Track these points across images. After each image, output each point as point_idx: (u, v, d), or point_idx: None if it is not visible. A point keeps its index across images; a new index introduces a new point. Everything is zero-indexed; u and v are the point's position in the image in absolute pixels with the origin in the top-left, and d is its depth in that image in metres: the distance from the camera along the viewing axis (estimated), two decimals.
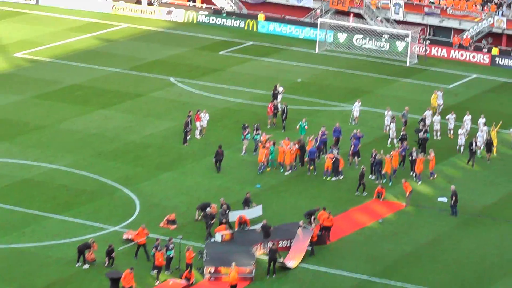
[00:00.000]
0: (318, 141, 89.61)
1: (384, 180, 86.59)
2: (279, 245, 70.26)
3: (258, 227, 72.66)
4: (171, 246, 65.31)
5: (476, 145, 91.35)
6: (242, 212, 75.08)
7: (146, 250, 67.74)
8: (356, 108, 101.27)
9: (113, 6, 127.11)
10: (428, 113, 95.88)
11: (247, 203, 75.81)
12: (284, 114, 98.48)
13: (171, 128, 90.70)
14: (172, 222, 73.76)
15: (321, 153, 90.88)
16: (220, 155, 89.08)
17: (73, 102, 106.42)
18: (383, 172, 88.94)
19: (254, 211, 74.05)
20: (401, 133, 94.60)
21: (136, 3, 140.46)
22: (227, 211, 75.17)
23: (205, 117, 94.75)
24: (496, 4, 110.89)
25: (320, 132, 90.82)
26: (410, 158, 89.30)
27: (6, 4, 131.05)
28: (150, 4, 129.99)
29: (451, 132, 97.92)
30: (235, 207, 77.11)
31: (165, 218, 74.47)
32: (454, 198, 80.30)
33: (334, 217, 74.66)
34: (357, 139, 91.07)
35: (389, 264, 72.35)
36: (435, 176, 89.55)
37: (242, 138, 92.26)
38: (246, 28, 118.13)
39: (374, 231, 75.47)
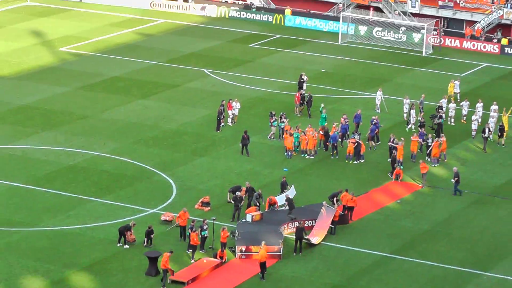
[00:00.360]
0: (340, 128, 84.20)
1: (401, 164, 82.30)
2: (305, 225, 68.76)
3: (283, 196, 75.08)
4: (205, 227, 66.40)
5: (489, 130, 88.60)
6: (284, 194, 75.37)
7: (184, 231, 66.61)
8: (378, 97, 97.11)
9: (151, 2, 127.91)
10: (444, 100, 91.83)
11: (284, 186, 76.79)
12: (309, 103, 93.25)
13: (206, 116, 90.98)
14: (206, 204, 74.06)
15: (344, 138, 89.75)
16: (246, 139, 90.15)
17: (115, 93, 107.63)
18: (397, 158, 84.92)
19: (290, 192, 72.04)
20: (419, 120, 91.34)
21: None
22: (260, 195, 75.79)
23: (236, 105, 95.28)
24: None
25: (342, 119, 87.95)
26: (427, 143, 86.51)
27: (52, 1, 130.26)
28: (185, 0, 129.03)
29: (465, 118, 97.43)
30: (264, 190, 77.41)
31: (200, 200, 74.78)
32: (456, 179, 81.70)
33: (355, 198, 73.65)
34: (373, 125, 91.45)
35: (407, 241, 73.09)
36: (446, 159, 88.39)
37: (270, 125, 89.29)
38: (274, 22, 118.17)
39: (392, 210, 76.39)
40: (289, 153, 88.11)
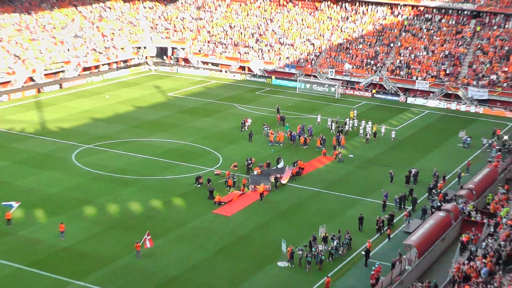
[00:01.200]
0: (299, 131, 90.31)
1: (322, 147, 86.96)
2: (279, 176, 74.61)
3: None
4: (234, 177, 73.60)
5: (367, 134, 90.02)
6: (280, 164, 78.11)
7: (227, 180, 72.82)
8: (318, 117, 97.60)
9: (209, 73, 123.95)
10: (347, 119, 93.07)
11: (279, 160, 77.83)
12: (283, 120, 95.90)
13: (235, 125, 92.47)
14: (235, 166, 78.84)
15: (301, 136, 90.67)
16: (251, 135, 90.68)
17: (193, 114, 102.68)
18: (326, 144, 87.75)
19: (281, 163, 75.90)
20: (338, 128, 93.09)
21: (217, 71, 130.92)
22: (261, 164, 79.20)
23: (249, 120, 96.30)
24: (374, 71, 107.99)
25: (297, 128, 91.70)
26: (339, 139, 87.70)
27: (163, 71, 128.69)
28: (225, 72, 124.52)
29: (356, 127, 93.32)
30: (262, 160, 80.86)
31: (232, 164, 79.48)
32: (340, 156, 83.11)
33: (305, 164, 79.60)
34: (310, 130, 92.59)
35: (329, 183, 75.72)
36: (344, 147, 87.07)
37: (263, 129, 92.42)
38: (267, 82, 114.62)
39: (321, 170, 79.68)
40: (272, 143, 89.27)
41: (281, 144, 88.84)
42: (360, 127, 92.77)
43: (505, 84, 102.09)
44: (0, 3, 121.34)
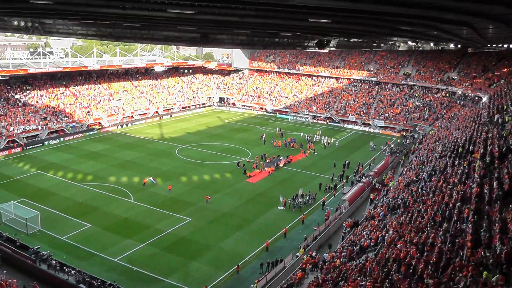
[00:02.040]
0: (290, 140, 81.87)
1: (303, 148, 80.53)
2: (279, 163, 69.95)
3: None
4: (257, 162, 68.76)
5: (325, 142, 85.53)
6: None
7: (253, 164, 68.74)
8: (301, 134, 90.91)
9: (245, 111, 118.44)
10: (315, 135, 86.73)
11: (279, 157, 71.71)
12: (282, 134, 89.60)
13: (257, 137, 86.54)
14: (257, 157, 71.18)
15: (291, 143, 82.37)
16: (265, 142, 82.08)
17: (241, 131, 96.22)
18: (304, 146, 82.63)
19: (281, 157, 71.49)
20: (310, 139, 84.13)
21: (249, 110, 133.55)
22: (271, 157, 73.84)
23: (264, 134, 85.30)
24: (328, 110, 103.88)
25: (289, 138, 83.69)
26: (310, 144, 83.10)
27: (220, 109, 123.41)
28: (253, 110, 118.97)
29: (319, 139, 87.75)
30: (271, 155, 74.75)
31: (256, 156, 72.10)
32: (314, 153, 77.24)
33: (292, 157, 73.96)
34: (294, 140, 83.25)
35: (305, 167, 71.60)
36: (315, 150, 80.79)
37: (271, 140, 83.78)
38: (274, 115, 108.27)
39: (300, 160, 73.83)
40: (275, 147, 79.42)
41: (279, 147, 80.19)
42: (321, 139, 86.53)
43: (392, 118, 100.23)
44: (140, 75, 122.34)
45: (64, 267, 38.36)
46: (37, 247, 41.29)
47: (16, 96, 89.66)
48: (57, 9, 25.64)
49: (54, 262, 38.93)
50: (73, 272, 37.45)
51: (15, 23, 34.58)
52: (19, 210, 48.13)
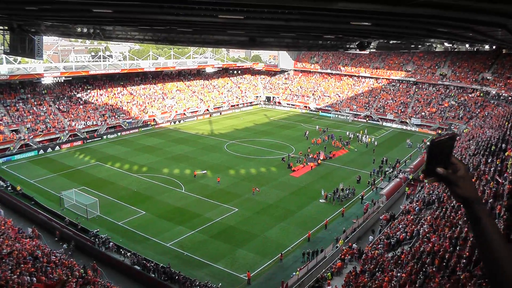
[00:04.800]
0: (328, 137, 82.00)
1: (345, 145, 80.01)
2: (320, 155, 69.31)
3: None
4: (300, 158, 68.24)
5: (366, 141, 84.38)
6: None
7: (297, 159, 68.39)
8: (347, 132, 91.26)
9: (290, 109, 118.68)
10: (358, 134, 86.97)
11: (320, 153, 71.58)
12: (324, 131, 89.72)
13: (301, 134, 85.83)
14: (300, 153, 70.78)
15: (333, 140, 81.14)
16: (308, 138, 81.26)
17: (281, 128, 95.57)
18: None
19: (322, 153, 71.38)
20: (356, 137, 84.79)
21: (293, 108, 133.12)
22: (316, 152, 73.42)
23: (307, 131, 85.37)
24: (367, 109, 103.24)
25: (327, 136, 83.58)
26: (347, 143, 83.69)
27: (267, 108, 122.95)
28: (298, 108, 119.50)
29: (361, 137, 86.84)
30: (314, 151, 74.08)
31: (299, 152, 71.84)
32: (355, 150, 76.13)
33: (335, 152, 73.62)
34: (333, 136, 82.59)
35: (345, 163, 71.07)
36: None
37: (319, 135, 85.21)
38: (317, 113, 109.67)
39: (341, 156, 72.79)
40: (314, 144, 78.59)
41: (318, 144, 77.98)
42: (362, 138, 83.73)
43: (428, 117, 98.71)
44: (192, 76, 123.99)
45: (121, 250, 39.95)
46: (96, 230, 43.49)
47: (78, 95, 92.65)
48: (117, 17, 26.42)
49: (111, 244, 40.62)
50: (128, 254, 38.96)
51: (79, 29, 35.58)
52: (79, 197, 50.20)
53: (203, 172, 63.38)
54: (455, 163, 2.84)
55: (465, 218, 29.55)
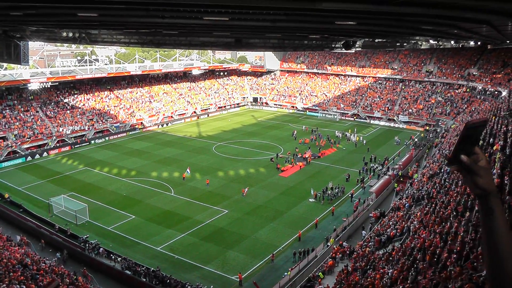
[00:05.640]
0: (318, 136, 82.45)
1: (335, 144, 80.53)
2: (305, 154, 69.62)
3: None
4: (289, 158, 67.59)
5: (354, 139, 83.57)
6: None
7: (286, 159, 68.47)
8: (336, 131, 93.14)
9: (277, 109, 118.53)
10: (347, 133, 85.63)
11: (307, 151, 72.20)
12: (313, 131, 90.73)
13: (289, 134, 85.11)
14: (289, 153, 70.51)
15: (321, 139, 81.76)
16: (296, 138, 79.46)
17: (274, 128, 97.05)
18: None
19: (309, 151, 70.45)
20: (345, 136, 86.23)
21: (280, 108, 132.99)
22: (303, 152, 72.92)
23: (295, 131, 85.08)
24: (355, 107, 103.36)
25: (314, 136, 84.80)
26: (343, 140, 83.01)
27: (254, 109, 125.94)
28: (284, 108, 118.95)
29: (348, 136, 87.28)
30: (302, 151, 73.93)
31: (287, 152, 72.00)
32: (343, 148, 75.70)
33: (324, 151, 73.57)
34: (320, 135, 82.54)
35: (333, 161, 70.80)
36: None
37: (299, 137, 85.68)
38: (304, 113, 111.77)
39: (329, 155, 72.97)
40: (303, 143, 79.69)
41: (306, 144, 77.44)
42: (350, 137, 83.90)
43: (415, 114, 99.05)
44: (179, 78, 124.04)
45: (111, 255, 39.73)
46: (85, 236, 43.08)
47: (65, 100, 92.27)
48: (102, 21, 26.34)
49: (101, 250, 40.48)
50: (119, 259, 38.73)
51: (64, 34, 35.41)
52: (68, 203, 49.99)
53: (188, 171, 63.14)
54: (478, 153, 2.75)
55: (454, 213, 29.91)
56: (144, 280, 35.72)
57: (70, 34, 35.85)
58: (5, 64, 79.60)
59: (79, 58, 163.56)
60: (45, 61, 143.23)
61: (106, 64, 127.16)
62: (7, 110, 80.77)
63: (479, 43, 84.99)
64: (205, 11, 20.72)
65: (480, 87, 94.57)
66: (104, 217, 48.90)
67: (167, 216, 49.42)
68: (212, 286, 35.40)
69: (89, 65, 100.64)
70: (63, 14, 23.56)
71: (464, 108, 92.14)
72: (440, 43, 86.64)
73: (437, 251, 24.74)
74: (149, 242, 43.48)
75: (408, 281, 23.27)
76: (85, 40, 38.10)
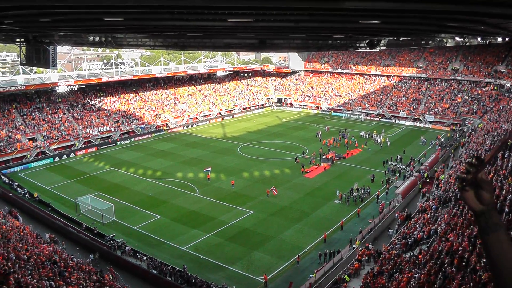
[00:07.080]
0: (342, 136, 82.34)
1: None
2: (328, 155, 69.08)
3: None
4: (314, 159, 68.01)
5: (380, 140, 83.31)
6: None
7: (311, 160, 68.06)
8: (362, 132, 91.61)
9: (302, 110, 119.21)
10: (372, 133, 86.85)
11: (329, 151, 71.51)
12: (342, 134, 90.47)
13: (313, 134, 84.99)
14: (314, 153, 71.44)
15: (345, 139, 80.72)
16: (320, 139, 79.52)
17: (293, 129, 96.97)
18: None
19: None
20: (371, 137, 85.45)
21: (305, 109, 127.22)
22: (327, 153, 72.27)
23: (320, 132, 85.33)
24: (380, 107, 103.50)
25: (340, 136, 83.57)
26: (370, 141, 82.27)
27: (278, 109, 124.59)
28: (309, 109, 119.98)
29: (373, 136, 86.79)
30: (327, 152, 73.47)
31: (312, 152, 71.60)
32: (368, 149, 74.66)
33: (349, 152, 72.98)
34: (345, 136, 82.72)
35: (359, 162, 70.32)
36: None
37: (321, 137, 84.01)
38: (329, 113, 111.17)
39: (354, 156, 72.03)
40: (327, 144, 77.73)
41: (331, 145, 76.99)
42: (375, 138, 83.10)
43: (441, 113, 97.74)
44: (203, 80, 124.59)
45: (137, 254, 40.27)
46: (112, 235, 43.77)
47: (92, 102, 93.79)
48: (127, 25, 26.63)
49: (127, 249, 40.98)
50: (144, 258, 39.16)
51: (91, 38, 36.02)
52: (95, 202, 51.02)
53: (208, 169, 63.94)
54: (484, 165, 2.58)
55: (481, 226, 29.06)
56: (170, 279, 36.00)
57: (97, 38, 36.34)
58: (34, 68, 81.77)
59: (105, 61, 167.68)
60: (72, 64, 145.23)
61: (131, 67, 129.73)
62: (36, 112, 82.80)
63: (507, 39, 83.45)
64: (229, 13, 20.83)
65: (508, 85, 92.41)
66: (130, 217, 49.50)
67: (192, 217, 49.73)
68: (234, 287, 35.23)
69: (115, 68, 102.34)
70: (89, 19, 23.79)
71: (491, 106, 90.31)
72: (466, 40, 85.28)
73: (466, 255, 24.17)
74: (174, 241, 43.85)
75: (436, 286, 22.84)
76: (111, 44, 38.53)
